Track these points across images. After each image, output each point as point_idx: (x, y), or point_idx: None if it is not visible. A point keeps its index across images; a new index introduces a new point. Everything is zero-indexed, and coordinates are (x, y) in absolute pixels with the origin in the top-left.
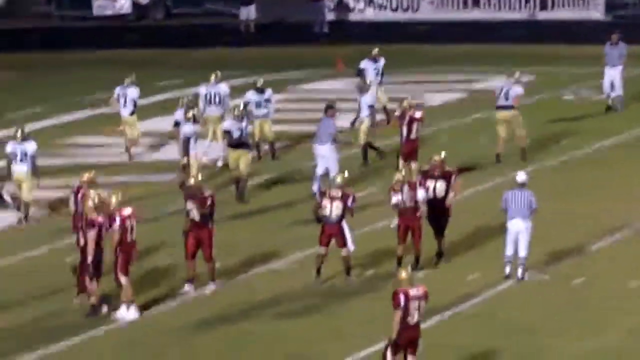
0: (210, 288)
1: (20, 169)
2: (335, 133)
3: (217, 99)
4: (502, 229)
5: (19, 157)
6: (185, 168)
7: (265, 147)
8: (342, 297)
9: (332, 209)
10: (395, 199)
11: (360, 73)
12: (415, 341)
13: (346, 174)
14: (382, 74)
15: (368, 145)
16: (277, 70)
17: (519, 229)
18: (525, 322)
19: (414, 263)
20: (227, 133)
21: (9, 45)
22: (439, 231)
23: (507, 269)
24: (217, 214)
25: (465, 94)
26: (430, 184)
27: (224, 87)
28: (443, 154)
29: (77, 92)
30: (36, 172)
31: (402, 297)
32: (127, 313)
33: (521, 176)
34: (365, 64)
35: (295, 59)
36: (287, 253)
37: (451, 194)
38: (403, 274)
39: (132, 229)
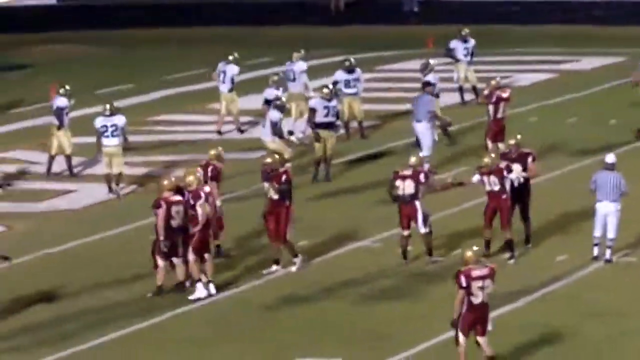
0: (295, 265)
1: (110, 143)
2: (433, 110)
3: (296, 77)
4: (592, 211)
5: (109, 132)
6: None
7: (354, 125)
8: (426, 279)
9: (404, 187)
10: (475, 178)
11: (450, 52)
12: (482, 321)
13: (421, 154)
14: (473, 54)
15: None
16: (366, 50)
17: (607, 210)
18: (613, 304)
19: (505, 245)
20: (312, 111)
21: (104, 21)
22: (522, 214)
23: (596, 251)
24: (304, 193)
25: (555, 74)
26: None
27: (300, 65)
28: (518, 136)
29: (167, 69)
30: (126, 144)
31: (463, 278)
32: (200, 291)
33: (610, 157)
34: (454, 44)
35: (384, 38)
36: (373, 232)
37: (525, 173)
38: (469, 254)
39: (178, 213)
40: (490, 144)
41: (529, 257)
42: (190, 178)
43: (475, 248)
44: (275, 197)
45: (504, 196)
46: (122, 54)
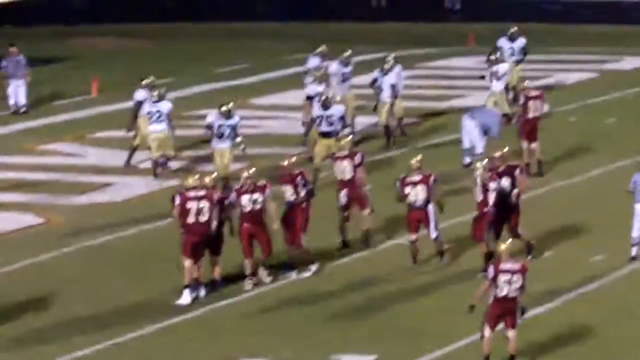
0: (309, 271)
1: (156, 128)
2: (494, 129)
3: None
4: (630, 211)
5: (154, 117)
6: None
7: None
8: (462, 276)
9: (417, 193)
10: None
11: (496, 51)
12: (510, 315)
13: (419, 156)
14: (523, 54)
15: (386, 128)
16: (407, 46)
17: None
18: None
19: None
20: (312, 120)
21: (145, 14)
22: (511, 232)
23: (633, 251)
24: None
25: (596, 74)
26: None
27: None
28: (506, 148)
29: (208, 63)
30: (172, 130)
31: (490, 269)
32: (185, 297)
33: None
34: (501, 42)
35: (426, 35)
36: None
37: (515, 190)
38: (502, 247)
39: (199, 211)
40: (525, 145)
41: (566, 257)
42: (188, 180)
43: (509, 241)
44: (292, 199)
45: (485, 208)
46: (163, 48)
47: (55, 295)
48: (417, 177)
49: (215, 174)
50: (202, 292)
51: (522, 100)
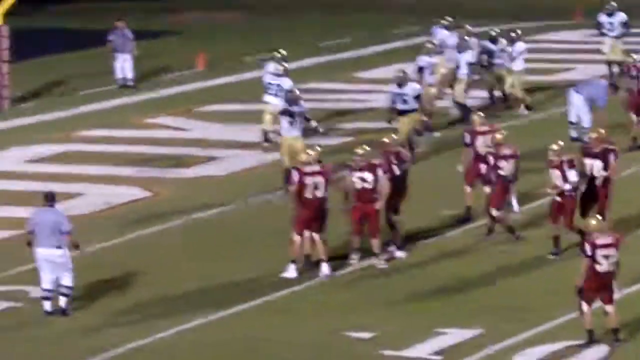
0: (378, 261)
1: (272, 101)
2: (601, 102)
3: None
4: None
5: (273, 90)
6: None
7: (498, 93)
8: (567, 253)
9: (509, 168)
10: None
11: (598, 26)
12: (607, 290)
13: (503, 132)
14: (625, 28)
15: (457, 104)
16: (515, 20)
17: None
18: None
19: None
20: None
21: None
22: (599, 214)
23: None
24: (450, 160)
25: None
26: (587, 162)
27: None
28: (602, 130)
29: (315, 36)
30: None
31: (588, 246)
32: (290, 272)
33: None
34: (601, 18)
35: (532, 8)
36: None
37: (607, 172)
38: (593, 222)
39: (316, 186)
40: (635, 118)
41: None
42: (303, 155)
43: (598, 216)
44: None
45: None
46: (269, 21)
47: (161, 269)
48: (507, 151)
49: (319, 148)
50: (326, 269)
51: (634, 72)
